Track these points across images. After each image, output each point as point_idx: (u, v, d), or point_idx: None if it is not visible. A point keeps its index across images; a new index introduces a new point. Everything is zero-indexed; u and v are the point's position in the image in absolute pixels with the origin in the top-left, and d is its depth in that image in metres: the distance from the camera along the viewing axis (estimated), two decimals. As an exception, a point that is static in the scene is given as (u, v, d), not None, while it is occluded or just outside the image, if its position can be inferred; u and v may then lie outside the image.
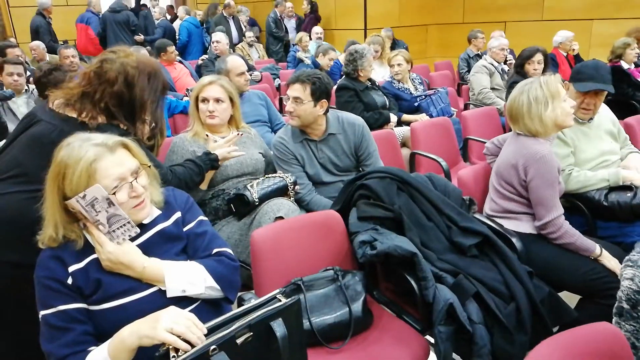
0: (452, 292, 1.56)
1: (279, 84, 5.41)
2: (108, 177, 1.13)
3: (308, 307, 1.59)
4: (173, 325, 1.00)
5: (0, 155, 1.50)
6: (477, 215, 1.95)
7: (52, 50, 5.84)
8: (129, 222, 1.18)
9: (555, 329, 1.70)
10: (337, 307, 1.63)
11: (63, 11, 7.82)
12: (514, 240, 1.84)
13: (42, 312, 1.12)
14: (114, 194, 1.14)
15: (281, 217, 1.94)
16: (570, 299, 1.85)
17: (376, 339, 1.63)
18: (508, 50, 4.84)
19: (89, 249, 1.18)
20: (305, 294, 1.61)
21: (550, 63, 4.25)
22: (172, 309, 1.07)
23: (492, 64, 4.49)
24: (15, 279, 1.36)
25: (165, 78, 1.63)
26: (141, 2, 7.59)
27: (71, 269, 1.14)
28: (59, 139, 1.36)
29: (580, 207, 2.09)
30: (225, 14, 7.25)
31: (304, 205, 2.28)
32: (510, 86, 3.85)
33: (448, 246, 1.73)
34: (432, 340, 1.56)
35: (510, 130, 2.07)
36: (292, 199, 2.17)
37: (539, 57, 3.69)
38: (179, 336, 0.99)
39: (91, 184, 1.11)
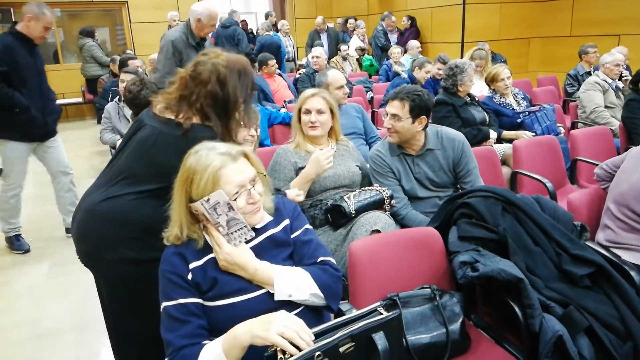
0: (561, 324, 1.47)
1: (372, 97, 5.45)
2: (230, 184, 1.21)
3: (404, 324, 1.57)
4: (284, 330, 1.05)
5: (115, 159, 1.63)
6: (590, 244, 1.81)
7: None
8: (245, 226, 1.25)
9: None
10: (433, 327, 1.60)
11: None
12: (632, 273, 1.69)
13: (164, 304, 1.22)
14: (235, 199, 1.22)
15: (377, 231, 1.95)
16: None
17: (474, 364, 1.57)
18: (624, 66, 4.46)
19: (207, 248, 1.27)
20: (402, 310, 1.60)
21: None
22: (283, 313, 1.12)
23: (606, 80, 4.16)
24: (136, 274, 1.49)
25: (253, 76, 1.65)
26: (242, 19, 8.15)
27: (192, 265, 1.24)
28: (160, 140, 1.49)
29: None
30: (317, 30, 7.89)
31: (399, 219, 2.27)
32: (627, 104, 3.55)
33: (557, 274, 1.63)
34: (535, 372, 1.47)
35: (624, 151, 1.90)
36: (387, 212, 2.17)
37: None
38: (288, 340, 1.04)
39: (215, 189, 1.20)
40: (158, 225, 1.31)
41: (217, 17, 3.43)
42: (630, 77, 4.51)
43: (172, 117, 1.52)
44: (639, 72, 3.50)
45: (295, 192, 2.06)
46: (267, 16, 8.47)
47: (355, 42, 7.93)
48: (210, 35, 6.00)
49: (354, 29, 8.39)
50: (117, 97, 4.14)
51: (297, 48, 8.60)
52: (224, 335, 1.14)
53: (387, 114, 2.27)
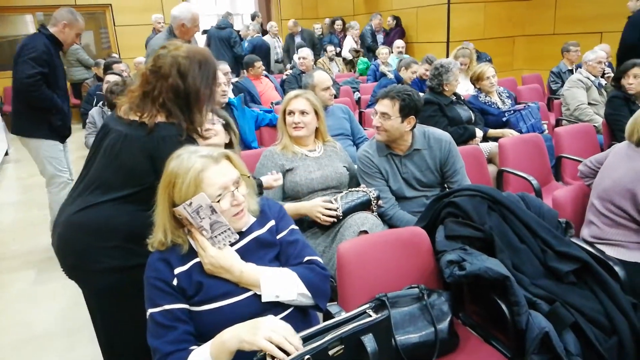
0: (548, 320, 1.48)
1: (359, 97, 5.45)
2: (213, 186, 1.20)
3: (393, 324, 1.57)
4: (271, 334, 1.04)
5: (87, 167, 1.59)
6: (575, 240, 1.83)
7: None
8: (229, 229, 1.24)
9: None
10: (422, 326, 1.60)
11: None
12: (616, 268, 1.71)
13: (149, 310, 1.21)
14: (218, 202, 1.21)
15: (365, 232, 1.95)
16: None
17: (462, 362, 1.58)
18: (607, 64, 4.52)
19: (192, 253, 1.26)
20: (390, 311, 1.60)
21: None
22: (271, 317, 1.12)
23: (589, 78, 4.21)
24: (120, 283, 1.46)
25: (215, 66, 1.61)
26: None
27: (177, 271, 1.23)
28: (126, 144, 1.46)
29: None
30: (291, 33, 8.01)
31: (386, 219, 2.27)
32: (610, 101, 3.60)
33: (542, 271, 1.64)
34: (523, 369, 1.49)
35: (608, 147, 1.93)
36: (374, 213, 2.17)
37: (635, 71, 3.42)
38: (276, 345, 1.03)
39: (198, 192, 1.19)
40: (139, 231, 1.29)
41: (199, 18, 3.41)
42: (612, 74, 4.58)
43: (136, 118, 1.49)
44: (620, 69, 3.55)
45: (273, 177, 2.08)
46: (253, 17, 8.42)
47: (349, 43, 7.86)
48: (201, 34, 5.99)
49: (342, 30, 8.39)
50: (102, 102, 4.10)
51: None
52: (212, 340, 1.13)
53: (376, 112, 2.28)
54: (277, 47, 8.06)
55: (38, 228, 3.89)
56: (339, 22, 8.44)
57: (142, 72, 1.54)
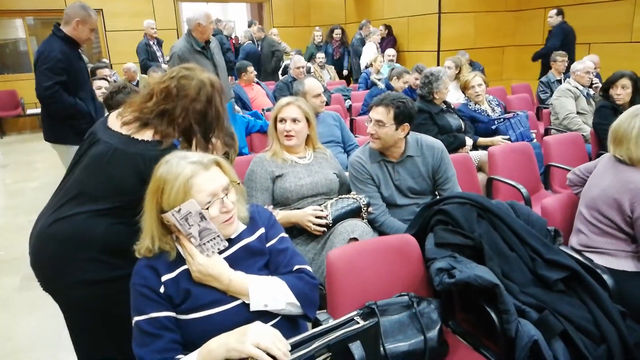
0: (537, 329, 1.48)
1: (350, 105, 5.47)
2: (202, 193, 1.19)
3: (382, 332, 1.57)
4: (260, 340, 1.03)
5: (68, 175, 1.55)
6: (564, 248, 1.84)
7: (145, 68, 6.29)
8: (218, 236, 1.23)
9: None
10: (411, 334, 1.59)
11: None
12: (605, 277, 1.72)
13: (135, 318, 1.19)
14: (207, 209, 1.20)
15: (355, 239, 1.94)
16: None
17: (452, 371, 1.57)
18: (594, 74, 4.58)
19: (180, 260, 1.24)
20: (380, 319, 1.59)
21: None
22: (258, 324, 1.11)
23: (577, 87, 4.27)
24: (96, 295, 1.42)
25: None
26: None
27: (164, 278, 1.21)
28: (116, 158, 1.42)
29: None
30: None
31: (376, 226, 2.27)
32: (598, 111, 3.64)
33: (532, 279, 1.65)
34: (512, 377, 1.48)
35: (596, 156, 1.95)
36: (365, 220, 2.17)
37: (623, 82, 3.48)
38: (264, 350, 1.02)
39: (187, 199, 1.17)
40: (115, 244, 1.27)
41: (212, 16, 3.61)
42: (600, 85, 4.64)
43: (129, 133, 1.46)
44: (609, 80, 3.60)
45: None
46: (250, 24, 8.37)
47: (371, 50, 7.47)
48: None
49: (340, 39, 8.23)
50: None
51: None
52: (199, 349, 1.12)
53: (370, 120, 2.28)
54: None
55: (24, 234, 3.83)
56: (337, 31, 8.30)
57: (164, 86, 1.49)
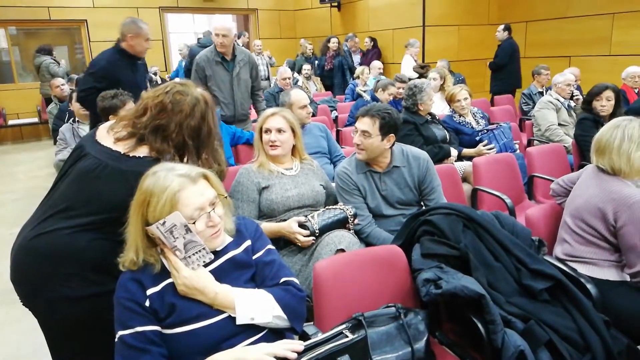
0: (523, 339, 1.49)
1: (336, 116, 5.50)
2: (189, 207, 1.18)
3: (370, 344, 1.56)
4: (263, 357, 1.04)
5: (54, 188, 1.52)
6: (548, 258, 1.86)
7: None
8: (204, 249, 1.22)
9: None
10: (399, 346, 1.59)
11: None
12: (589, 286, 1.74)
13: (120, 333, 1.16)
14: (194, 223, 1.18)
15: (342, 250, 1.94)
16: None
17: (439, 382, 1.57)
18: (575, 86, 4.68)
19: (165, 273, 1.22)
20: (367, 330, 1.58)
21: (622, 100, 4.05)
22: (260, 346, 1.12)
23: (558, 100, 4.35)
24: (77, 312, 1.39)
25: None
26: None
27: (149, 292, 1.19)
28: (106, 174, 1.39)
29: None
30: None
31: (363, 237, 2.27)
32: (580, 122, 3.71)
33: (517, 289, 1.66)
34: (499, 387, 1.48)
35: (578, 167, 1.99)
36: (351, 231, 2.17)
37: (607, 94, 3.56)
38: None
39: (173, 212, 1.16)
40: (97, 259, 1.24)
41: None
42: (580, 97, 4.75)
43: (118, 149, 1.44)
44: (592, 92, 3.67)
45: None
46: (239, 36, 8.36)
47: (409, 62, 7.12)
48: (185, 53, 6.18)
49: (336, 49, 8.09)
50: (72, 118, 4.02)
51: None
52: None
53: (356, 131, 2.29)
54: (260, 64, 8.01)
55: (6, 247, 3.74)
56: (334, 40, 8.21)
57: (159, 100, 1.46)
